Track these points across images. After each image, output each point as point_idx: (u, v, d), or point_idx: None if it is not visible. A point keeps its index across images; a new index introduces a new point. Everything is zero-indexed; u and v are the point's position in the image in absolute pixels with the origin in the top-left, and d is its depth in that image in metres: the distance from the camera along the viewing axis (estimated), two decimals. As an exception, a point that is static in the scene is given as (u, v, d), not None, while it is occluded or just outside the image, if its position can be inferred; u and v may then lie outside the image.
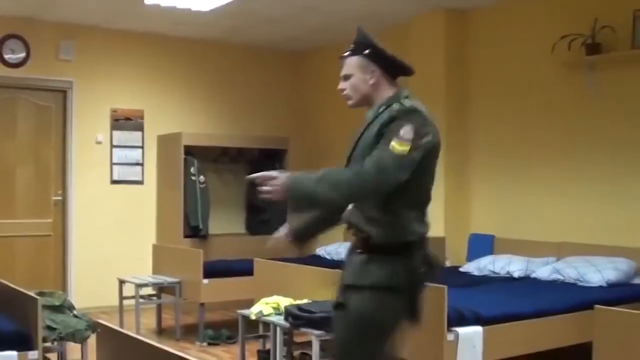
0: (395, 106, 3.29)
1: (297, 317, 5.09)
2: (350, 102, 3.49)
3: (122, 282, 7.61)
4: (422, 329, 4.06)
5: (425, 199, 3.46)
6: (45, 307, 5.01)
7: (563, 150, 7.02)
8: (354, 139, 3.42)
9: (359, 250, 3.35)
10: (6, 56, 8.42)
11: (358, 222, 3.34)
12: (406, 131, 3.16)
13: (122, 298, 7.58)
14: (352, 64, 3.47)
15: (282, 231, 3.77)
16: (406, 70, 3.53)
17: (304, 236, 3.76)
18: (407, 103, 3.31)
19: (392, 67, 3.48)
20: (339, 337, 3.38)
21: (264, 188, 3.12)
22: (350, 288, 3.31)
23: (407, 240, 3.29)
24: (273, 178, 3.12)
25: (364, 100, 3.45)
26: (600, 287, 5.89)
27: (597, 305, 4.10)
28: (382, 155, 3.12)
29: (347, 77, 3.48)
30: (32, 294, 4.63)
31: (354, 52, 3.49)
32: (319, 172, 3.14)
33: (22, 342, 4.43)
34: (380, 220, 3.27)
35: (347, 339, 3.31)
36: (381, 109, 3.34)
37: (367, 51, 3.43)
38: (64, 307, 5.45)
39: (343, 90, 3.50)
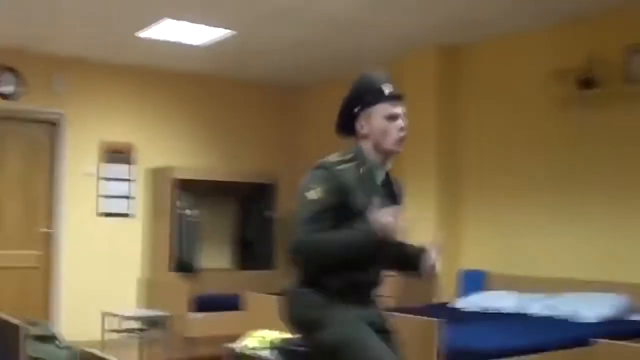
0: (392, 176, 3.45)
1: (286, 351, 4.98)
2: (401, 150, 3.35)
3: (105, 315, 7.49)
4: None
5: None
6: (30, 337, 4.91)
7: (556, 186, 6.98)
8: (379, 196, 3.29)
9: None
10: (-2, 88, 8.40)
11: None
12: None
13: (104, 331, 7.46)
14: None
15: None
16: None
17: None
18: None
19: None
20: None
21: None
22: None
23: None
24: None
25: None
26: (595, 323, 5.81)
27: (599, 340, 4.01)
28: None
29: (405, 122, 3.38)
30: (16, 322, 4.53)
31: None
32: None
33: (4, 372, 4.33)
34: None
35: None
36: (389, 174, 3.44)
37: None
38: (50, 338, 5.35)
39: (404, 129, 3.36)
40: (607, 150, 6.60)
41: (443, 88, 7.95)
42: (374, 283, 3.36)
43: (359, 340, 3.16)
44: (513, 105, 7.44)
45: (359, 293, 3.29)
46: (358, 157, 3.29)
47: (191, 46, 8.05)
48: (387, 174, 3.39)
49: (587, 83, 6.62)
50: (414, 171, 7.95)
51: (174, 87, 9.51)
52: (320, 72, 9.24)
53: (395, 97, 3.35)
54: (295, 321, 3.35)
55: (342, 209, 3.14)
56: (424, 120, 7.89)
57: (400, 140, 3.30)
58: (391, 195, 3.38)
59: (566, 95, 6.79)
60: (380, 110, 3.30)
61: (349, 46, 7.97)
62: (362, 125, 3.32)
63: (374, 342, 3.15)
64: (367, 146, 3.32)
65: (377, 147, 3.31)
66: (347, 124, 3.39)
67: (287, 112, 10.34)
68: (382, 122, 3.29)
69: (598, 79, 6.58)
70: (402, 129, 3.30)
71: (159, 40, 7.79)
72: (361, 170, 3.25)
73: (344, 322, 3.20)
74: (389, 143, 3.29)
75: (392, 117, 3.30)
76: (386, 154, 3.33)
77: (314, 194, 3.13)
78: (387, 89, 3.36)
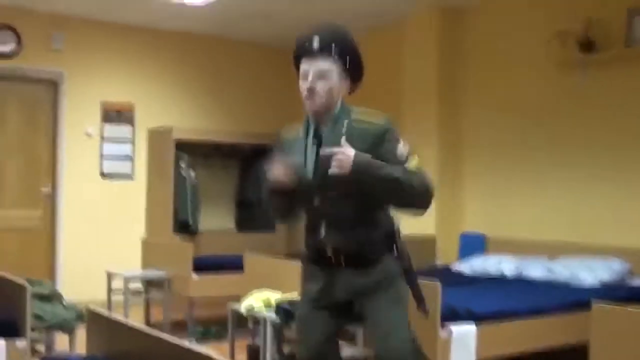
0: (362, 118, 3.26)
1: (289, 312, 5.03)
2: (316, 107, 3.23)
3: (110, 276, 7.55)
4: (415, 325, 4.02)
5: None
6: (33, 296, 4.94)
7: (556, 149, 6.99)
8: (312, 160, 3.28)
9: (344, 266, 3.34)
10: (-3, 46, 8.36)
11: (340, 246, 3.32)
12: (403, 148, 3.21)
13: (110, 291, 7.51)
14: (331, 65, 3.22)
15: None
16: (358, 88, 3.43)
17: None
18: (374, 115, 3.29)
19: (357, 83, 3.39)
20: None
21: (335, 160, 3.09)
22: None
23: (393, 237, 3.39)
24: (343, 153, 3.08)
25: (327, 108, 3.26)
26: (594, 287, 5.84)
27: (595, 302, 4.05)
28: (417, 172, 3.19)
29: (323, 75, 3.22)
30: (21, 281, 4.56)
31: (333, 56, 3.22)
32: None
33: (10, 330, 4.36)
34: (365, 239, 3.31)
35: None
36: (342, 126, 3.24)
37: (349, 65, 3.27)
38: (53, 297, 5.40)
39: (314, 89, 3.21)
40: (607, 113, 6.60)
41: (444, 50, 7.93)
42: (331, 247, 3.30)
43: (297, 325, 3.57)
44: (514, 68, 7.42)
45: (319, 258, 3.36)
46: (307, 119, 3.34)
47: (193, 6, 8.01)
48: (319, 127, 3.30)
49: (588, 46, 6.60)
50: (415, 135, 7.95)
51: (175, 47, 9.47)
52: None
53: (305, 53, 3.25)
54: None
55: None
56: (426, 83, 7.90)
57: (307, 99, 3.24)
58: (322, 145, 3.24)
59: (567, 58, 6.77)
60: (300, 71, 3.29)
61: (352, 7, 7.92)
62: None
63: (304, 331, 3.46)
64: None
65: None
66: None
67: (289, 73, 10.24)
68: (300, 83, 3.28)
69: (599, 42, 6.56)
70: (306, 88, 3.23)
71: (159, -2, 7.77)
72: (300, 133, 3.34)
73: (300, 302, 3.56)
74: (304, 102, 3.27)
75: (303, 76, 3.26)
76: (312, 114, 3.29)
77: None
78: (307, 45, 3.24)
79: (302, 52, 3.26)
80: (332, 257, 3.30)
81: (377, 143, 3.18)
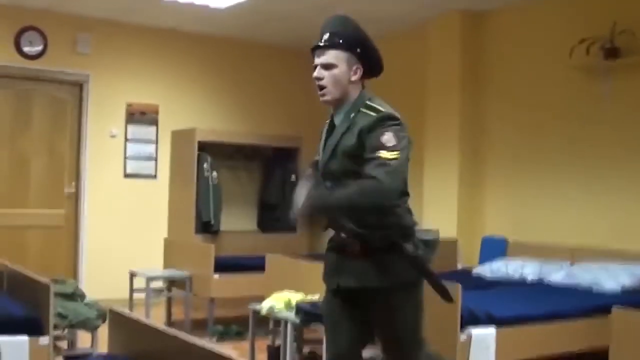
0: (367, 110, 3.27)
1: (309, 313, 5.05)
2: (327, 97, 3.34)
3: (133, 275, 7.61)
4: (435, 328, 4.04)
5: (407, 191, 3.39)
6: (56, 294, 5.00)
7: (578, 154, 6.96)
8: (322, 146, 3.44)
9: (356, 253, 3.33)
10: (24, 48, 8.42)
11: (352, 227, 3.30)
12: (389, 139, 3.16)
13: (132, 290, 7.57)
14: (338, 55, 3.31)
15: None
16: (381, 71, 3.46)
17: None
18: (380, 107, 3.27)
19: (375, 68, 3.42)
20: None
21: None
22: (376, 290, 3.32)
23: (404, 234, 3.31)
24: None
25: (341, 97, 3.33)
26: (615, 292, 5.81)
27: (615, 307, 4.04)
28: (380, 170, 3.10)
29: (328, 67, 3.32)
30: (45, 279, 4.62)
31: (340, 47, 3.31)
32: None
33: (33, 328, 4.41)
34: (376, 224, 3.26)
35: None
36: (352, 115, 3.30)
37: (358, 49, 3.32)
38: (76, 295, 5.46)
39: (320, 79, 3.32)
40: (629, 120, 6.57)
41: (466, 55, 7.91)
42: (342, 229, 3.36)
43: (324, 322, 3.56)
44: (537, 72, 7.40)
45: (336, 242, 3.43)
46: None
47: (215, 9, 8.05)
48: (335, 117, 3.41)
49: (612, 52, 6.56)
50: (437, 139, 7.97)
51: (199, 50, 9.52)
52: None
53: (313, 49, 3.38)
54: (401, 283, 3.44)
55: None
56: (448, 88, 7.89)
57: (318, 90, 3.35)
58: (335, 135, 3.37)
59: (591, 64, 6.73)
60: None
61: (372, 11, 7.92)
62: None
63: (329, 328, 3.46)
64: None
65: None
66: None
67: (308, 76, 10.28)
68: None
69: (623, 49, 6.53)
70: (315, 78, 3.34)
71: (183, 2, 7.79)
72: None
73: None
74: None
75: (314, 70, 3.35)
76: (324, 104, 3.41)
77: None
78: (316, 41, 3.38)
79: (313, 48, 3.38)
80: (343, 240, 3.35)
81: (369, 130, 3.20)
